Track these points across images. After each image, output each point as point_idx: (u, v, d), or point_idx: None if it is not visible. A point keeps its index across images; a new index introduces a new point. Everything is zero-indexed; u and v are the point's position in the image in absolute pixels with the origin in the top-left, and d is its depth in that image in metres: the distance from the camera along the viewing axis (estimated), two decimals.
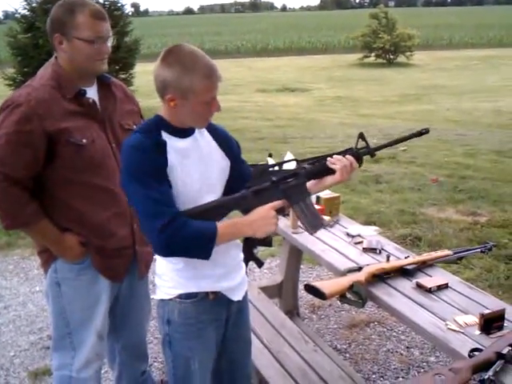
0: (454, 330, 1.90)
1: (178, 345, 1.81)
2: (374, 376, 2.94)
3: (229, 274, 1.83)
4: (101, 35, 1.99)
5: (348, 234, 2.76)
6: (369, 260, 2.45)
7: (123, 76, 11.56)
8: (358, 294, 2.12)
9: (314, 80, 19.08)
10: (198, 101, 1.65)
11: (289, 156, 3.38)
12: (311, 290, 2.14)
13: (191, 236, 1.63)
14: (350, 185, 6.15)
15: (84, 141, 1.99)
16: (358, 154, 1.86)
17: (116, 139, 2.11)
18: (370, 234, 2.78)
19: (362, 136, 1.86)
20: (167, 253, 1.69)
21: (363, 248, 2.57)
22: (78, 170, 2.00)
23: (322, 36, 35.79)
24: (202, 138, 1.80)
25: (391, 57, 23.60)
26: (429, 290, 2.16)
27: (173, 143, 1.69)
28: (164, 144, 1.67)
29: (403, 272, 2.30)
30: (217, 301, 1.82)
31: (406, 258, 2.41)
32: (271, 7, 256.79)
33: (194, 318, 1.79)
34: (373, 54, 23.69)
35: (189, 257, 1.70)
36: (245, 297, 1.95)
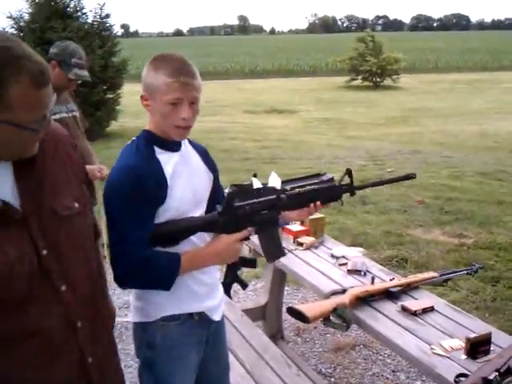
0: (440, 355, 1.85)
1: (159, 369, 1.75)
2: None
3: (211, 292, 1.80)
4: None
5: (333, 256, 2.72)
6: (353, 282, 2.41)
7: (110, 96, 11.58)
8: (341, 317, 2.07)
9: (301, 102, 19.19)
10: (163, 101, 1.61)
11: (273, 176, 3.34)
12: (294, 313, 2.09)
13: (154, 272, 1.62)
14: (336, 206, 6.13)
15: None
16: (338, 190, 1.85)
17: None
18: (355, 255, 2.74)
19: (349, 173, 1.85)
20: (126, 286, 1.70)
21: (348, 270, 2.53)
22: None
23: (309, 59, 36.13)
24: (188, 152, 1.77)
25: (378, 80, 23.81)
26: (414, 313, 2.12)
27: (166, 158, 1.66)
28: (158, 164, 1.64)
29: (388, 294, 2.25)
30: (200, 322, 1.77)
31: (391, 280, 2.37)
32: (260, 30, 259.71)
33: (178, 340, 1.73)
34: (360, 77, 23.88)
35: (149, 289, 1.69)
36: (222, 316, 1.91)
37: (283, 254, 1.89)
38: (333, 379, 3.06)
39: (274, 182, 3.50)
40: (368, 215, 5.94)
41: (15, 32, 10.21)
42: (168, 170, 1.65)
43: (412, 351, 1.88)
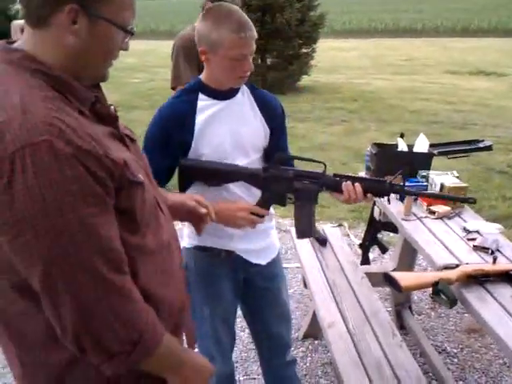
0: None
1: (192, 290, 1.85)
2: None
3: (247, 236, 1.84)
4: None
5: (465, 229, 2.49)
6: (476, 259, 2.19)
7: (305, 50, 11.68)
8: (443, 293, 1.91)
9: None
10: (227, 55, 1.63)
11: (421, 138, 3.14)
12: (389, 280, 1.98)
13: None
14: None
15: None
16: (387, 190, 1.76)
17: None
18: (491, 231, 2.47)
19: (403, 174, 1.83)
20: None
21: (474, 246, 2.30)
22: None
23: None
24: (243, 101, 1.77)
25: None
26: None
27: (205, 105, 1.70)
28: (191, 109, 1.69)
29: (508, 277, 2.01)
30: (231, 260, 1.86)
31: None
32: None
33: (208, 269, 1.87)
34: None
35: None
36: (275, 265, 1.98)
37: (310, 235, 1.89)
38: (456, 360, 2.86)
39: (422, 143, 3.29)
40: None
41: None
42: (201, 116, 1.68)
43: (510, 343, 1.67)
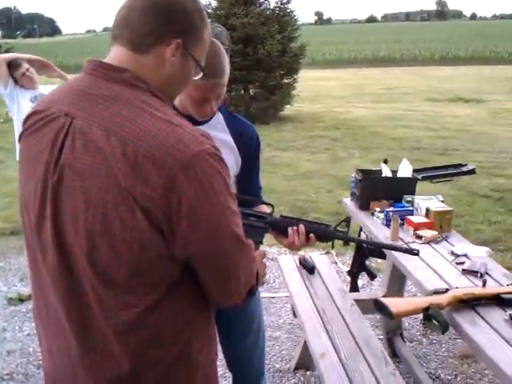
0: None
1: None
2: None
3: None
4: None
5: (453, 253, 2.48)
6: (465, 283, 2.17)
7: (287, 80, 11.83)
8: (434, 319, 1.88)
9: (493, 91, 17.66)
10: (190, 94, 1.65)
11: (404, 163, 3.15)
12: (379, 306, 1.95)
13: None
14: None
15: None
16: (330, 234, 1.73)
17: None
18: (480, 255, 2.46)
19: (347, 221, 1.77)
20: None
21: (463, 269, 2.29)
22: None
23: (510, 46, 33.03)
24: (216, 127, 1.78)
25: None
26: None
27: None
28: None
29: (499, 301, 1.99)
30: None
31: (508, 285, 2.09)
32: (459, 15, 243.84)
33: None
34: None
35: None
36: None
37: None
38: None
39: (405, 168, 3.30)
40: None
41: None
42: None
43: (507, 369, 1.64)
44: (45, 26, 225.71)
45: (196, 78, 1.25)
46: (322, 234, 1.71)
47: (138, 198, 1.01)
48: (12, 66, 4.07)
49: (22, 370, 3.13)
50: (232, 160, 1.83)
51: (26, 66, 4.09)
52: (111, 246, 1.05)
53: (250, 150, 1.88)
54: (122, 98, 1.08)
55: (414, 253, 1.75)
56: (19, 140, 1.22)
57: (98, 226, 1.04)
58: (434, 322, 1.90)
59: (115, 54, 1.14)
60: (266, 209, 1.83)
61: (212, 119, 1.81)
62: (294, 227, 1.69)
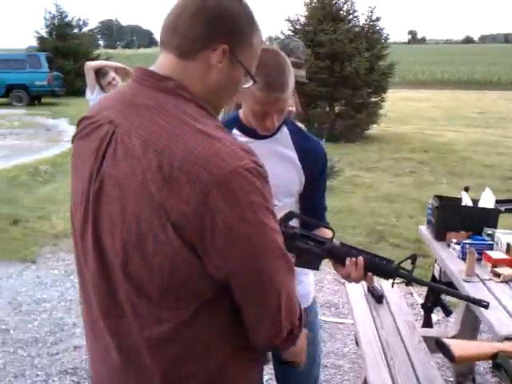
0: None
1: None
2: None
3: None
4: None
5: None
6: None
7: (374, 99, 11.64)
8: (502, 367, 1.72)
9: None
10: (250, 107, 1.64)
11: (487, 193, 2.96)
12: (441, 347, 1.81)
13: None
14: None
15: None
16: (392, 273, 1.59)
17: None
18: None
19: (413, 259, 1.61)
20: None
21: None
22: None
23: None
24: (280, 142, 1.74)
25: None
26: None
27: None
28: None
29: None
30: None
31: None
32: None
33: None
34: None
35: None
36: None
37: None
38: None
39: (487, 198, 3.10)
40: None
41: (291, 33, 10.96)
42: None
43: None
44: (143, 38, 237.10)
45: (245, 87, 1.20)
46: (382, 270, 1.60)
47: (170, 213, 0.97)
48: (99, 73, 4.28)
49: (86, 367, 3.20)
50: (295, 177, 1.78)
51: (112, 74, 4.28)
52: (144, 260, 1.02)
53: (315, 169, 1.82)
54: (164, 107, 1.05)
55: (482, 305, 1.60)
56: (72, 143, 1.23)
57: (133, 237, 1.02)
58: (503, 371, 1.74)
59: (162, 61, 1.12)
60: (327, 233, 1.75)
61: (277, 133, 1.77)
62: (353, 258, 1.59)
